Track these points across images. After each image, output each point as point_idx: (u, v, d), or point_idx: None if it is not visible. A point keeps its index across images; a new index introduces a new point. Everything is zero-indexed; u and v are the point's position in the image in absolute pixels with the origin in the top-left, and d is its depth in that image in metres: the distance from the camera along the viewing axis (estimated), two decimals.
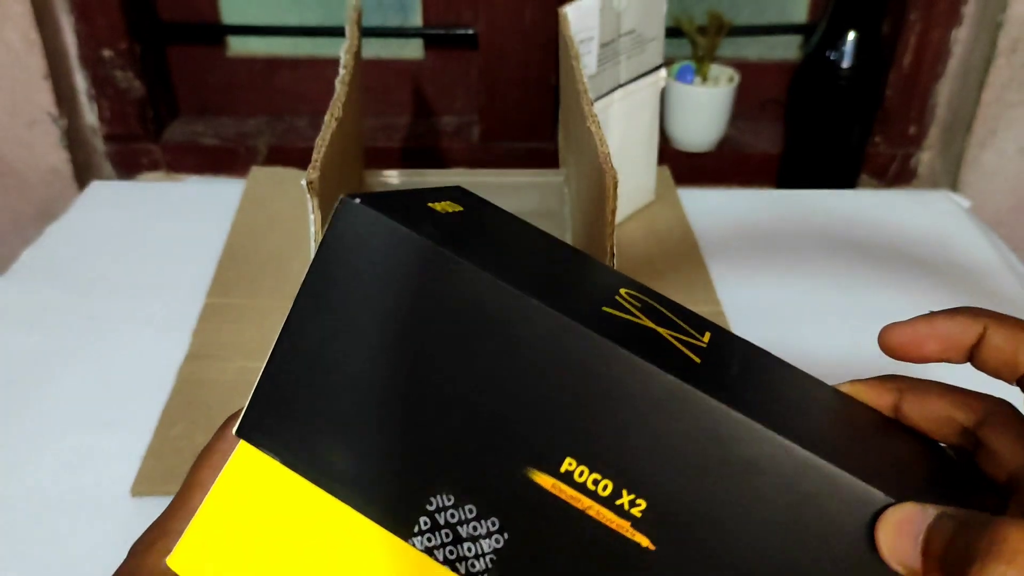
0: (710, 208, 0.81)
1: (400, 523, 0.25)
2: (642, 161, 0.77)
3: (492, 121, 0.94)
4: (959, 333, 0.26)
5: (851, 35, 0.84)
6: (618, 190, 0.45)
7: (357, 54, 0.57)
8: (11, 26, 0.83)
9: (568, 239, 0.71)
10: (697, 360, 0.25)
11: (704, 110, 0.91)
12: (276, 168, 0.86)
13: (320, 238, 0.27)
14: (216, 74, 0.97)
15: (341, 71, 0.52)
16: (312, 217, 0.40)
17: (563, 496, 0.24)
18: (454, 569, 0.24)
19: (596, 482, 0.23)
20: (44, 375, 0.60)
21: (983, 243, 0.77)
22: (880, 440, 0.26)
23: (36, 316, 0.66)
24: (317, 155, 0.42)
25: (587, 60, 0.66)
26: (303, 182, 0.41)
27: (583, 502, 0.24)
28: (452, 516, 0.24)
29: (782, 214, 0.81)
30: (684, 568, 0.23)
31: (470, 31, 0.92)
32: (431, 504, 0.24)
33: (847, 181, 0.94)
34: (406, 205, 0.27)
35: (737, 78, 0.90)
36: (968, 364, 0.27)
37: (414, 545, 0.25)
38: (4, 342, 0.63)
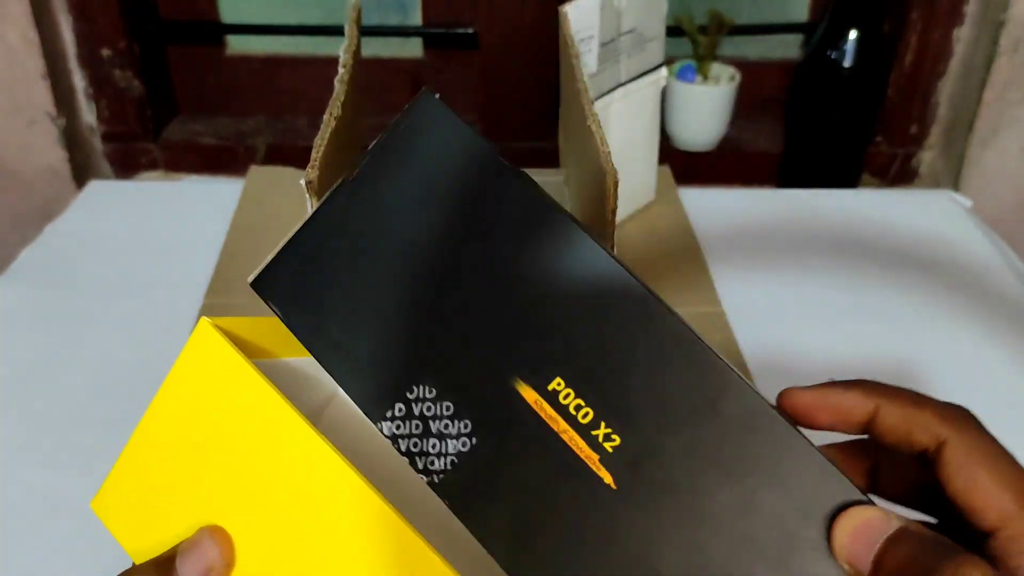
0: (711, 208, 0.81)
1: (375, 404, 0.25)
2: (642, 160, 0.77)
3: (492, 121, 0.94)
4: (850, 408, 0.25)
5: (852, 34, 0.84)
6: (618, 189, 0.45)
7: (356, 53, 0.57)
8: (10, 25, 0.83)
9: None
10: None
11: (705, 109, 0.91)
12: (275, 167, 0.86)
13: None
14: (215, 73, 0.97)
15: (340, 70, 0.52)
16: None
17: (542, 414, 0.24)
18: (412, 462, 0.24)
19: (579, 408, 0.23)
20: (43, 375, 0.60)
21: (985, 243, 0.77)
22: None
23: (34, 316, 0.66)
24: (316, 154, 0.42)
25: (587, 59, 0.65)
26: (302, 181, 0.41)
27: (560, 424, 0.23)
28: (428, 409, 0.24)
29: (783, 214, 0.81)
30: (636, 517, 0.23)
31: (470, 30, 0.92)
32: (412, 392, 0.25)
33: (848, 181, 0.94)
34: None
35: (738, 77, 0.90)
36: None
37: (380, 429, 0.25)
38: (2, 342, 0.63)
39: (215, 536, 0.25)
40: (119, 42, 0.88)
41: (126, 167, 0.95)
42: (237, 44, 0.96)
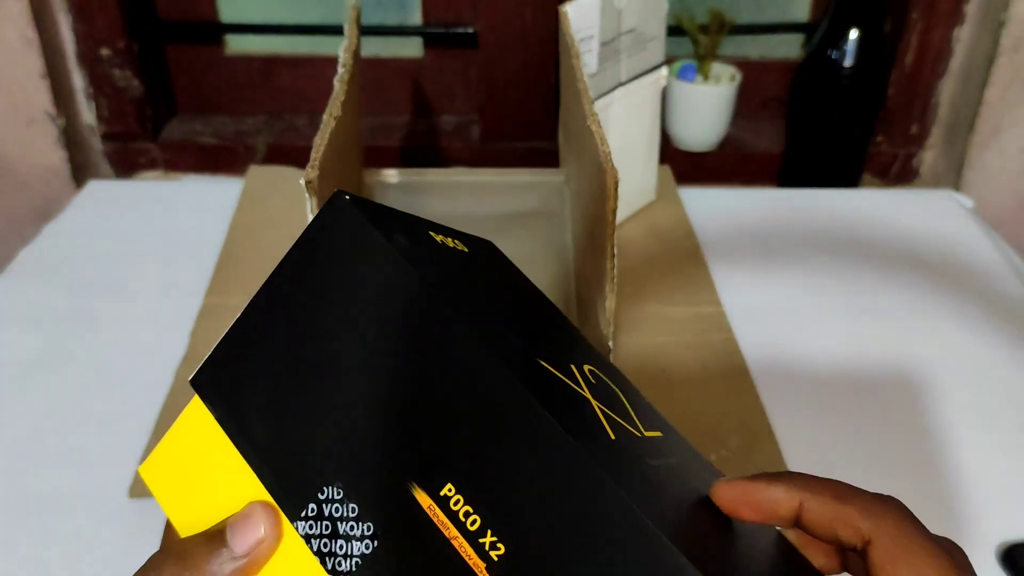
0: (711, 207, 0.81)
1: (291, 504, 0.26)
2: (643, 160, 0.77)
3: (492, 120, 0.94)
4: (774, 505, 0.25)
5: (853, 34, 0.84)
6: (619, 189, 0.44)
7: (356, 53, 0.57)
8: (9, 25, 0.82)
9: (568, 239, 0.70)
10: (612, 437, 0.25)
11: (705, 109, 0.90)
12: (275, 167, 0.86)
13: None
14: (214, 73, 0.97)
15: (340, 70, 0.52)
16: (311, 216, 0.40)
17: (435, 519, 0.24)
18: (323, 562, 0.25)
19: (467, 515, 0.24)
20: (42, 374, 0.60)
21: (986, 243, 0.77)
22: (746, 546, 0.26)
23: (33, 315, 0.66)
24: (316, 154, 0.42)
25: (587, 59, 0.65)
26: (302, 181, 0.41)
27: (451, 531, 0.24)
28: (336, 510, 0.25)
29: (784, 213, 0.81)
30: None
31: (470, 30, 0.92)
32: (322, 493, 0.25)
33: (849, 180, 0.94)
34: (404, 221, 0.28)
35: (739, 77, 0.90)
36: None
37: (296, 528, 0.25)
38: (1, 341, 0.63)
39: (266, 510, 0.26)
40: (118, 42, 0.88)
41: (125, 167, 0.95)
42: (236, 44, 0.96)
